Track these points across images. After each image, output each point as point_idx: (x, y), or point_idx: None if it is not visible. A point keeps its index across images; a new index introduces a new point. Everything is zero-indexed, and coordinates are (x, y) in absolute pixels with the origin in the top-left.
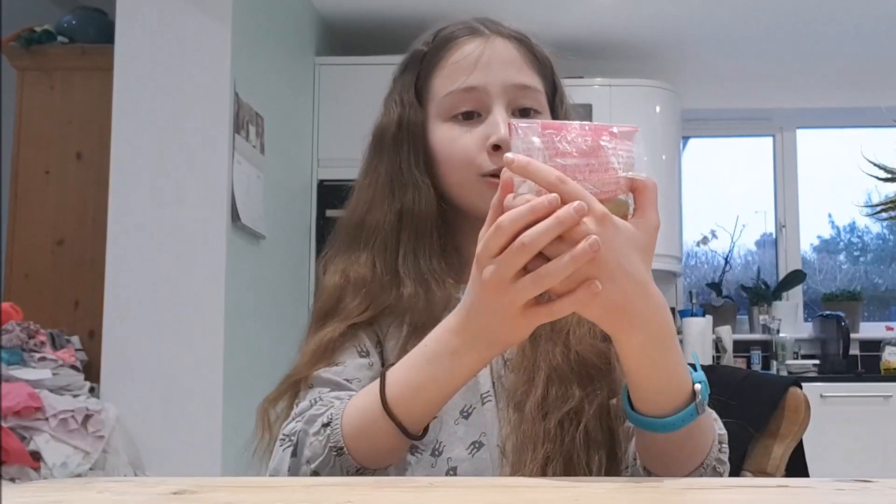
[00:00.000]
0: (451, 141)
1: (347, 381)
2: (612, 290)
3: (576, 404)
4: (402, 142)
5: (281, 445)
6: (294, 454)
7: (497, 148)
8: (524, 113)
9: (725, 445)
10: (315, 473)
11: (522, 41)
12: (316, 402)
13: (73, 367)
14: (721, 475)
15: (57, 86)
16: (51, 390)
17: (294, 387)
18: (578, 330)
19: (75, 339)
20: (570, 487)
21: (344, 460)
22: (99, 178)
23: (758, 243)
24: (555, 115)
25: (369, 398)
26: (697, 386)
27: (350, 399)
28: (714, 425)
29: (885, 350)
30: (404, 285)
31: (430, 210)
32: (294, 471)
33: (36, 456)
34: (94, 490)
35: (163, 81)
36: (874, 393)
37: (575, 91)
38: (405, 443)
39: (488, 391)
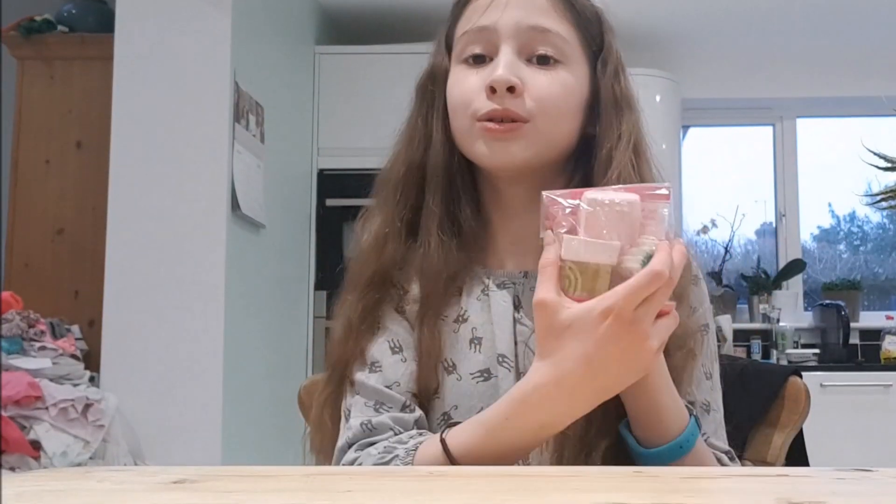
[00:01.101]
0: (455, 83)
1: (388, 387)
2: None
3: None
4: (430, 92)
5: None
6: None
7: (494, 91)
8: (541, 60)
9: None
10: None
11: None
12: (369, 427)
13: (73, 356)
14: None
15: (57, 75)
16: (51, 379)
17: (339, 373)
18: None
19: (75, 328)
20: (571, 477)
21: None
22: (99, 168)
23: (758, 232)
24: (594, 74)
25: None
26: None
27: (414, 454)
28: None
29: (885, 339)
30: (423, 244)
31: (442, 163)
32: None
33: (36, 445)
34: (94, 479)
35: (163, 71)
36: (874, 382)
37: None
38: None
39: None
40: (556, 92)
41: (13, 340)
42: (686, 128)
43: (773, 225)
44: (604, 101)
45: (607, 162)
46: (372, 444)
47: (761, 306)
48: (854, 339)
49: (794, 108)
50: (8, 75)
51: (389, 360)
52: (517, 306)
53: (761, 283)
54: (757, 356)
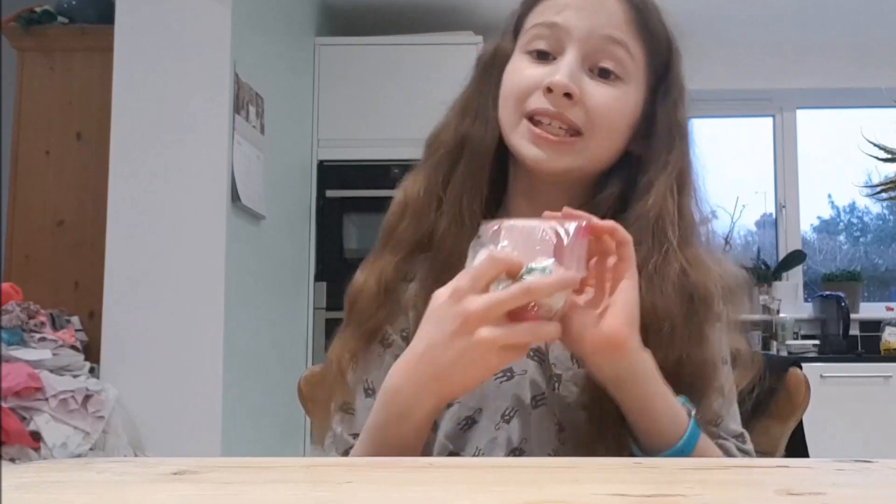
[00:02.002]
0: (513, 71)
1: (355, 435)
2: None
3: None
4: (490, 71)
5: None
6: None
7: (549, 91)
8: (602, 73)
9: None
10: None
11: (636, 5)
12: None
13: (73, 347)
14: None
15: (57, 66)
16: (51, 371)
17: (368, 333)
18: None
19: (75, 319)
20: (570, 468)
21: None
22: (99, 159)
23: (758, 223)
24: (651, 97)
25: None
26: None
27: None
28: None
29: (885, 330)
30: (442, 216)
31: (488, 144)
32: None
33: (36, 436)
34: (94, 470)
35: (163, 62)
36: (874, 373)
37: None
38: None
39: (541, 394)
40: (613, 108)
41: (13, 332)
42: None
43: (773, 216)
44: (659, 128)
45: (646, 187)
46: None
47: (761, 297)
48: (854, 330)
49: (793, 100)
50: (8, 67)
51: (362, 405)
52: None
53: (761, 274)
54: (757, 347)
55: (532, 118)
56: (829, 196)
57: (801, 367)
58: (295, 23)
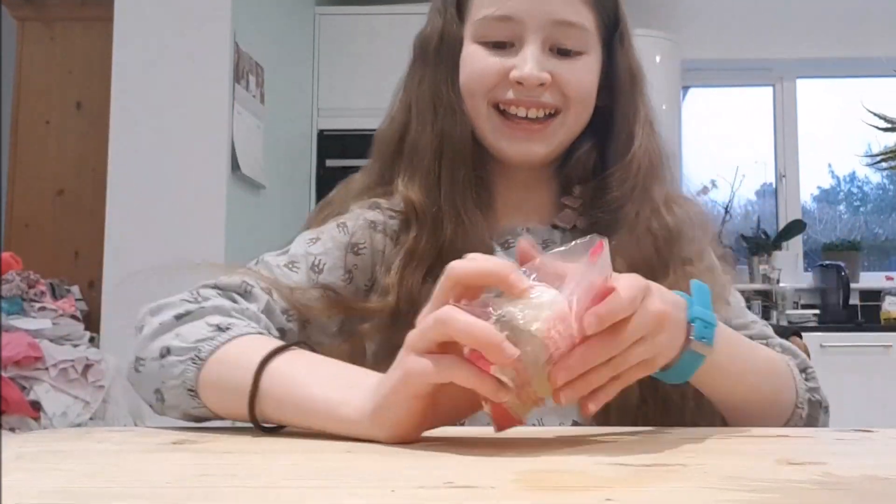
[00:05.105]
0: (472, 62)
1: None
2: None
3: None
4: (443, 58)
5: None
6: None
7: (520, 84)
8: (563, 53)
9: (810, 371)
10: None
11: None
12: (239, 294)
13: (72, 316)
14: (822, 408)
15: (57, 36)
16: (51, 340)
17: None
18: None
19: (75, 288)
20: (570, 437)
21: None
22: (99, 128)
23: (758, 193)
24: (611, 55)
25: (243, 369)
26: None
27: (241, 337)
28: (779, 360)
29: (885, 300)
30: (446, 222)
31: (465, 138)
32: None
33: (36, 406)
34: (93, 440)
35: (163, 31)
36: (874, 343)
37: None
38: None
39: None
40: (585, 81)
41: (13, 301)
42: (686, 88)
43: (773, 185)
44: (621, 80)
45: (628, 140)
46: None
47: (761, 267)
48: (854, 300)
49: (793, 69)
50: (8, 37)
51: (305, 278)
52: None
53: (761, 244)
54: (757, 317)
55: (499, 107)
56: (830, 166)
57: (801, 337)
58: None
